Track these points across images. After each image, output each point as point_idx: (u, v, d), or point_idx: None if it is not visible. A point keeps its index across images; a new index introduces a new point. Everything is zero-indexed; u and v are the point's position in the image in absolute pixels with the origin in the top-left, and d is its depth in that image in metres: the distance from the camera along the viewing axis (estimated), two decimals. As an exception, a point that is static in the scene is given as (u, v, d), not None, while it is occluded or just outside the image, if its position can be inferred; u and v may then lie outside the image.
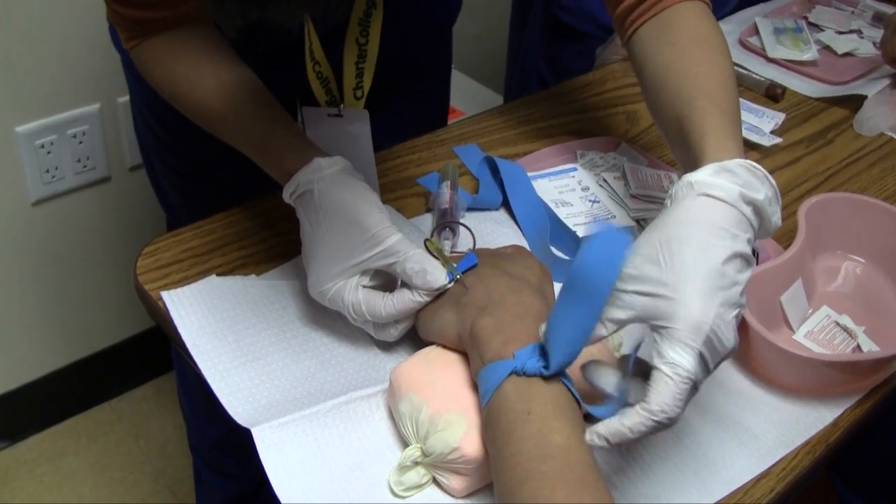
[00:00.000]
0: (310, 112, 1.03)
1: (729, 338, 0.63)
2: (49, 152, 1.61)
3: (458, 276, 0.76)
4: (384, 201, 0.95)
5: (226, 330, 0.81)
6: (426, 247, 0.79)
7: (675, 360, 0.61)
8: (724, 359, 0.65)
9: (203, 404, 1.35)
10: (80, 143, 1.64)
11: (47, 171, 1.62)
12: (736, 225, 0.67)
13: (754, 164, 0.70)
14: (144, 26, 0.88)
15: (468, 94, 2.03)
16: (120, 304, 1.91)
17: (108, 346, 1.96)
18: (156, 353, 1.94)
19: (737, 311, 0.64)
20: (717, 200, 0.67)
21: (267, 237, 0.93)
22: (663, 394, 0.61)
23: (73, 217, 1.73)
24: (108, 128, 1.67)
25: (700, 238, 0.66)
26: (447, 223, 0.91)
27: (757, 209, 0.68)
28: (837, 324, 0.89)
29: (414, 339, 0.80)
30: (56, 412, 1.94)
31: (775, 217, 0.70)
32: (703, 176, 0.69)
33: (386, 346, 0.81)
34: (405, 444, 0.71)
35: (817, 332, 0.88)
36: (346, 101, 1.05)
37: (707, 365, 0.63)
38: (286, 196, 0.81)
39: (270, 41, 1.00)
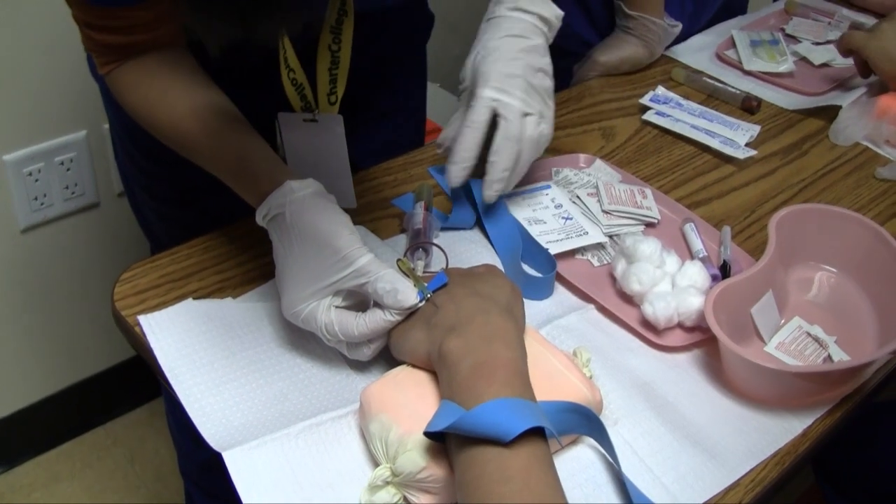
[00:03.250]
0: (285, 117, 1.04)
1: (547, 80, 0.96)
2: (37, 180, 1.62)
3: (429, 296, 0.76)
4: (360, 222, 0.97)
5: (201, 353, 0.82)
6: (398, 267, 0.80)
7: (483, 95, 0.94)
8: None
9: (189, 427, 1.35)
10: (68, 170, 1.65)
11: (35, 199, 1.63)
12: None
13: None
14: (119, 51, 0.89)
15: (451, 112, 2.04)
16: (111, 329, 1.87)
17: (101, 371, 1.96)
18: (148, 377, 1.91)
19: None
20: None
21: (244, 261, 0.94)
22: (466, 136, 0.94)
23: (62, 244, 1.73)
24: (96, 154, 1.68)
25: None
26: (420, 244, 0.92)
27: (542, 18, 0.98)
28: (809, 334, 0.90)
29: (388, 358, 0.81)
30: (50, 438, 1.95)
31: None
32: None
33: (359, 367, 0.82)
34: (377, 464, 0.72)
35: (788, 343, 0.89)
36: (321, 106, 1.07)
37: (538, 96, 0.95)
38: (259, 219, 0.82)
39: (251, 58, 1.02)
